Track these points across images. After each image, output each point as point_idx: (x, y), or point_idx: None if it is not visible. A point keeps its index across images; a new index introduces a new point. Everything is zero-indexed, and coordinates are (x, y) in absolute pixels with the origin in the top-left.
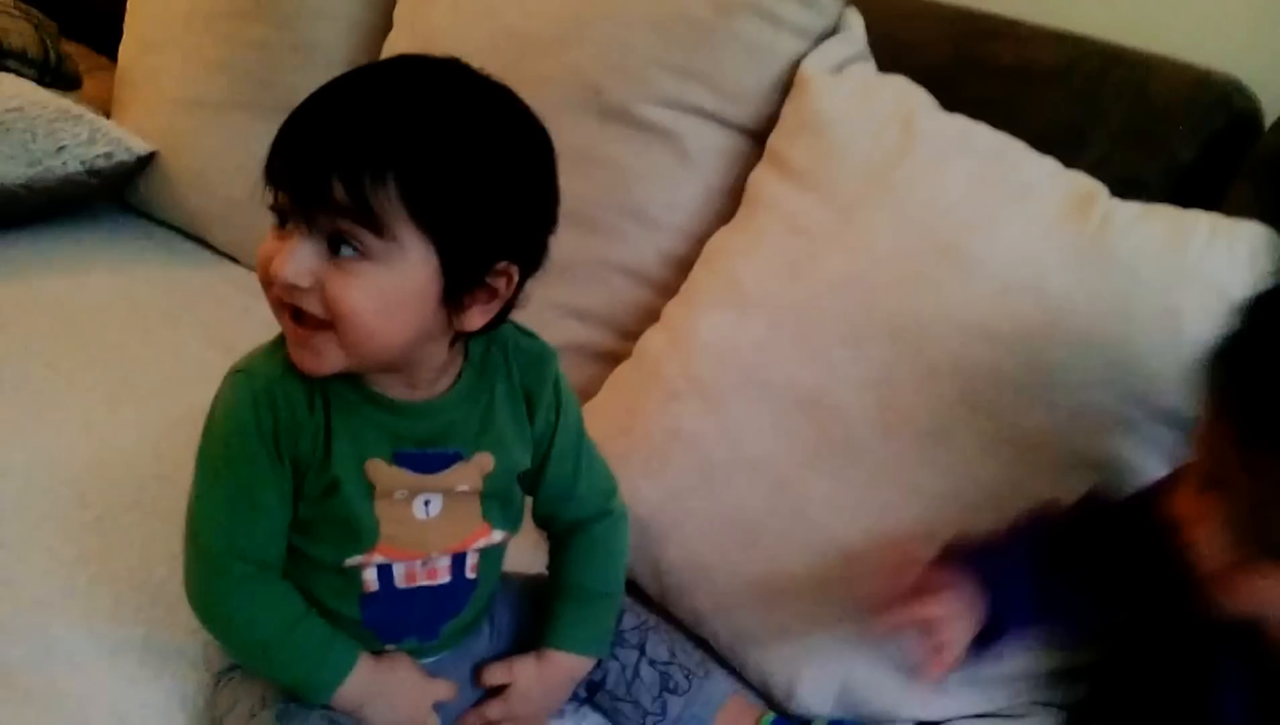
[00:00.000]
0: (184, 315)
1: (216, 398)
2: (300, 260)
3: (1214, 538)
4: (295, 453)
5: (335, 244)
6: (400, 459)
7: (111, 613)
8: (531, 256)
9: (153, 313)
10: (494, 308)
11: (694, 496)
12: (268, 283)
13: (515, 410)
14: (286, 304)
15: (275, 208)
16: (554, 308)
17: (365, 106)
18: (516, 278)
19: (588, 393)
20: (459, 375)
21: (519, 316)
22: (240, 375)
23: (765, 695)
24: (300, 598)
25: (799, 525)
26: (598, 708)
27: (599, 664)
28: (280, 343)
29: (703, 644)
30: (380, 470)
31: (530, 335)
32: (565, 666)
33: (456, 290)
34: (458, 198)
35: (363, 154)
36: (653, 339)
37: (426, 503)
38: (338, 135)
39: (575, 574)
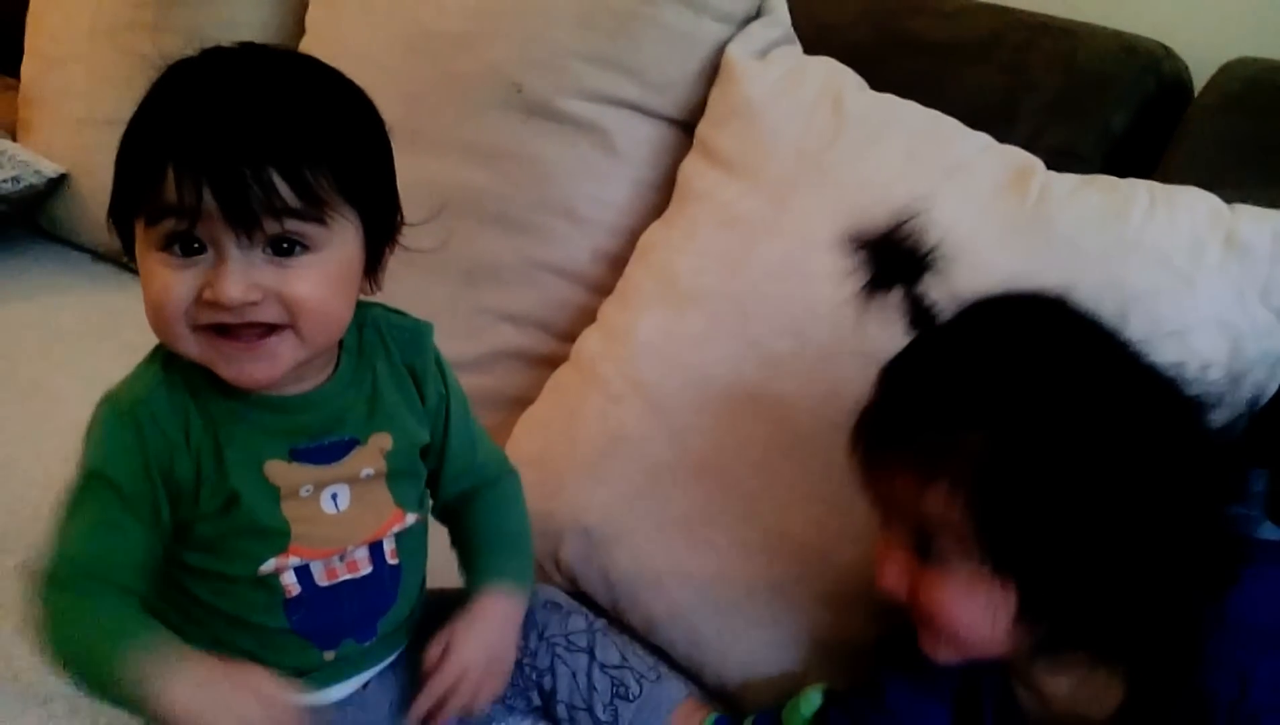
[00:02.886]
0: (105, 341)
1: (88, 426)
2: (244, 276)
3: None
4: (171, 476)
5: (277, 245)
6: (298, 455)
7: (39, 662)
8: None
9: (72, 340)
10: (386, 265)
11: (642, 501)
12: (187, 313)
13: (402, 387)
14: (209, 325)
15: (165, 234)
16: (485, 313)
17: (271, 101)
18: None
19: (526, 398)
20: (338, 362)
21: (449, 321)
22: (108, 403)
23: (723, 699)
24: (136, 611)
25: (751, 525)
26: (552, 718)
27: (550, 670)
28: (149, 364)
29: (658, 652)
30: (280, 470)
31: (400, 313)
32: (498, 609)
33: (378, 251)
34: (373, 165)
35: (296, 146)
36: (590, 340)
37: (334, 496)
38: (265, 137)
39: (488, 522)
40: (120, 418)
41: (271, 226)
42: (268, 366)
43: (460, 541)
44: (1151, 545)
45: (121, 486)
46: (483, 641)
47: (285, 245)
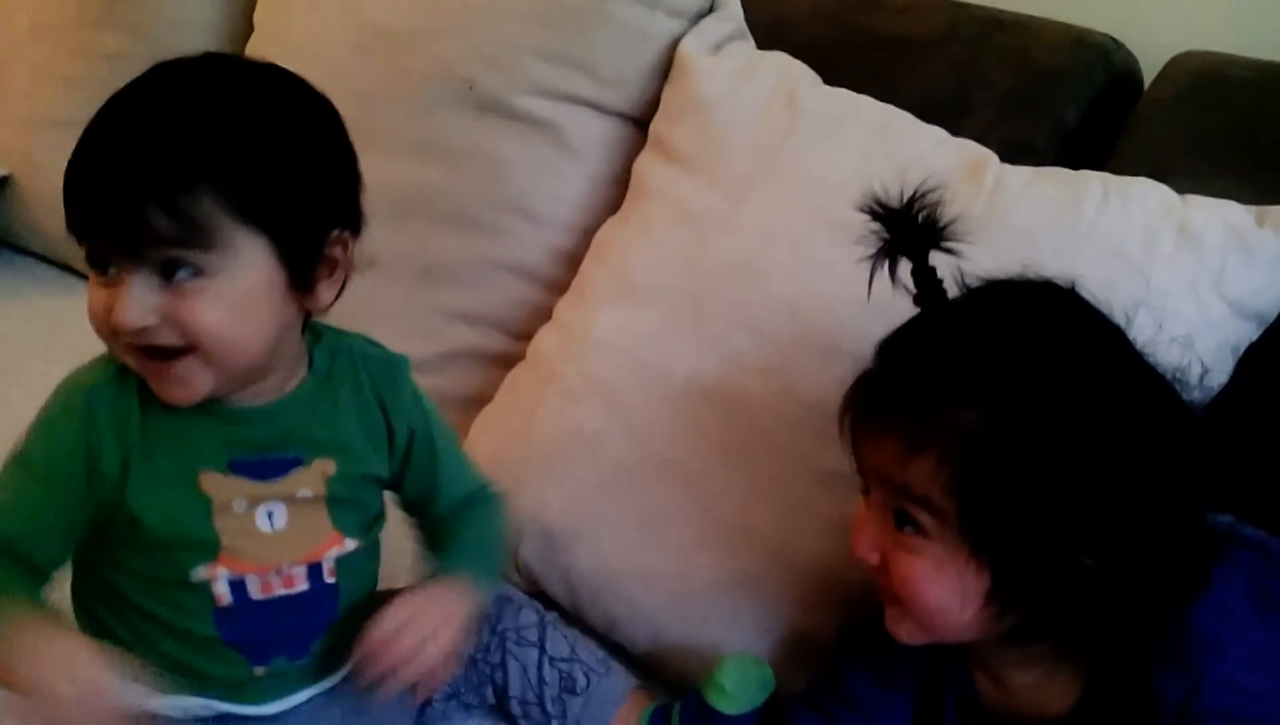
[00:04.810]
0: (52, 346)
1: (42, 406)
2: (139, 302)
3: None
4: (98, 468)
5: (168, 271)
6: (236, 467)
7: None
8: (356, 218)
9: (19, 346)
10: (338, 279)
11: (601, 500)
12: (111, 334)
13: (366, 418)
14: (135, 346)
15: (90, 254)
16: (439, 312)
17: (150, 127)
18: (351, 244)
19: (482, 398)
20: (302, 381)
21: (403, 321)
22: (63, 384)
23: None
24: (19, 577)
25: (711, 523)
26: (506, 714)
27: (502, 664)
28: (105, 359)
29: (618, 650)
30: (214, 482)
31: (376, 345)
32: (449, 591)
33: (301, 273)
34: (275, 183)
35: (169, 175)
36: (546, 339)
37: (270, 514)
38: (139, 162)
39: (461, 529)
40: (67, 400)
41: (156, 254)
42: (183, 389)
43: (432, 545)
44: (1130, 543)
45: (49, 465)
46: (431, 609)
47: (177, 271)
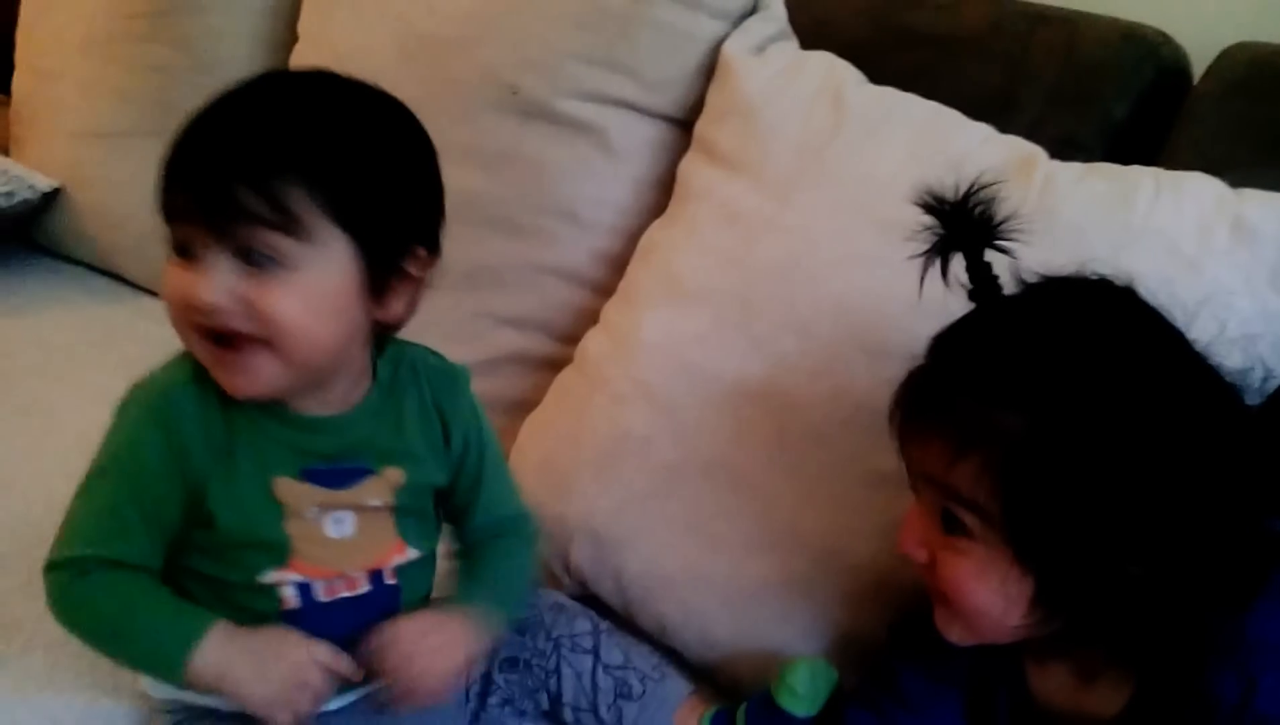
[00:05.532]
0: (104, 356)
1: (114, 414)
2: (219, 280)
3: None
4: (187, 473)
5: (251, 258)
6: (308, 475)
7: (47, 679)
8: (436, 240)
9: (70, 356)
10: (412, 295)
11: (651, 503)
12: (183, 313)
13: (428, 427)
14: (203, 329)
15: (175, 239)
16: (487, 317)
17: (257, 115)
18: (429, 263)
19: (531, 402)
20: (368, 392)
21: (450, 326)
22: (136, 392)
23: (735, 697)
24: (150, 577)
25: (761, 524)
26: (558, 721)
27: (556, 671)
28: (182, 360)
29: (670, 653)
30: (288, 488)
31: (438, 356)
32: (454, 618)
33: (379, 281)
34: (366, 187)
35: (269, 158)
36: (593, 342)
37: (339, 521)
38: (238, 144)
39: (486, 563)
40: (145, 409)
41: (244, 236)
42: (246, 380)
43: (460, 573)
44: (1179, 554)
45: (138, 476)
46: (428, 638)
47: (260, 258)
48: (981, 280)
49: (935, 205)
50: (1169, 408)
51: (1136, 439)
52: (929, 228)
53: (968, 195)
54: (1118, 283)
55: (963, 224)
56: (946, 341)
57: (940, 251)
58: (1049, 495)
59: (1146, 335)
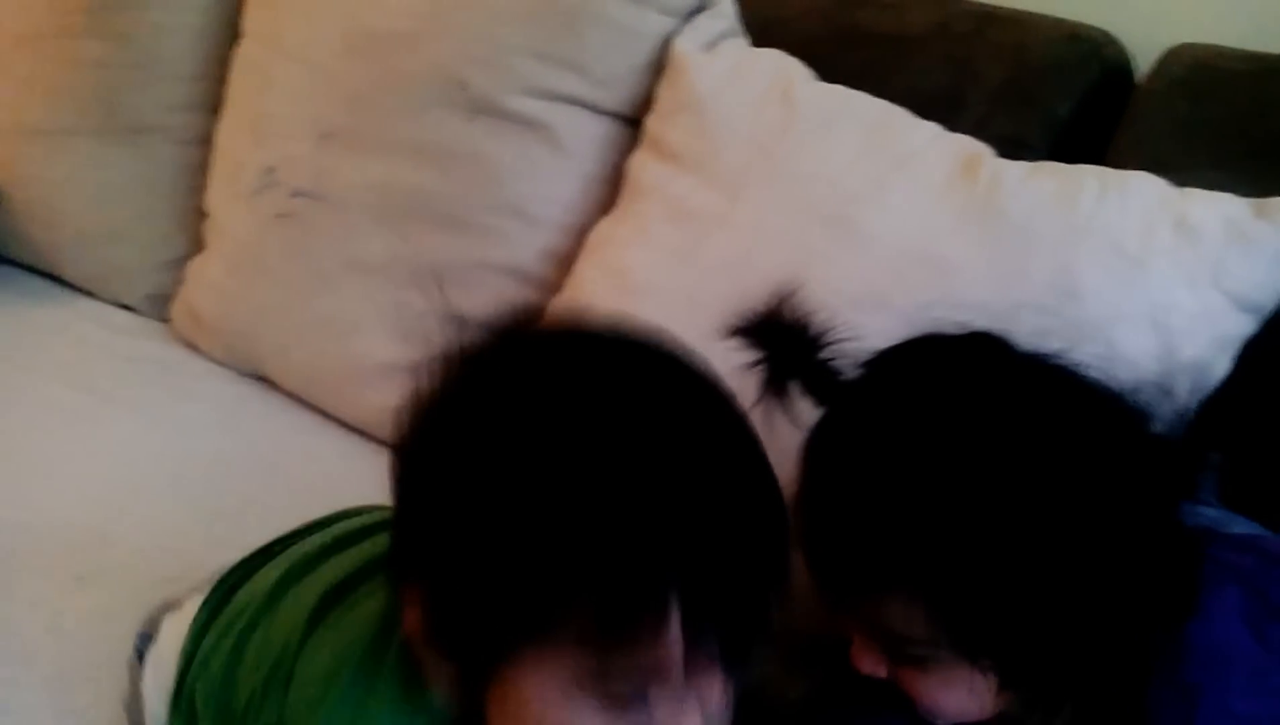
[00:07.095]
0: (40, 358)
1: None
2: None
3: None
4: None
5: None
6: None
7: None
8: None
9: (5, 358)
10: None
11: None
12: None
13: None
14: None
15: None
16: (432, 314)
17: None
18: None
19: None
20: None
21: (398, 325)
22: None
23: None
24: None
25: None
26: None
27: None
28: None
29: None
30: None
31: None
32: None
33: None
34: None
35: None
36: None
37: None
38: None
39: None
40: None
41: None
42: None
43: None
44: (1116, 597)
45: None
46: None
47: None
48: (824, 386)
49: (747, 332)
50: (1068, 469)
51: (1042, 512)
52: (758, 361)
53: (774, 312)
54: (948, 349)
55: (782, 343)
56: (816, 489)
57: (775, 381)
58: (982, 597)
59: (1020, 400)
